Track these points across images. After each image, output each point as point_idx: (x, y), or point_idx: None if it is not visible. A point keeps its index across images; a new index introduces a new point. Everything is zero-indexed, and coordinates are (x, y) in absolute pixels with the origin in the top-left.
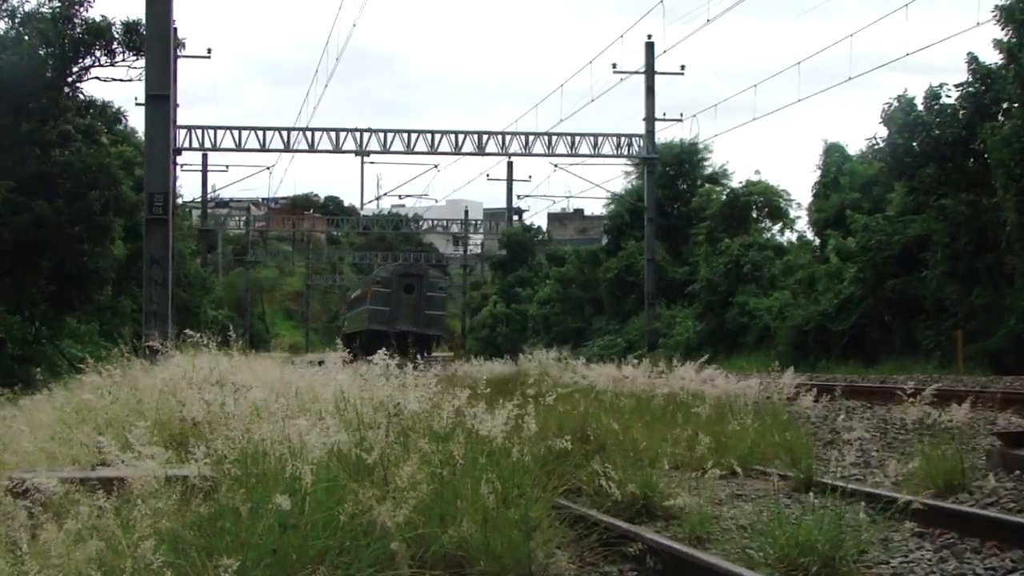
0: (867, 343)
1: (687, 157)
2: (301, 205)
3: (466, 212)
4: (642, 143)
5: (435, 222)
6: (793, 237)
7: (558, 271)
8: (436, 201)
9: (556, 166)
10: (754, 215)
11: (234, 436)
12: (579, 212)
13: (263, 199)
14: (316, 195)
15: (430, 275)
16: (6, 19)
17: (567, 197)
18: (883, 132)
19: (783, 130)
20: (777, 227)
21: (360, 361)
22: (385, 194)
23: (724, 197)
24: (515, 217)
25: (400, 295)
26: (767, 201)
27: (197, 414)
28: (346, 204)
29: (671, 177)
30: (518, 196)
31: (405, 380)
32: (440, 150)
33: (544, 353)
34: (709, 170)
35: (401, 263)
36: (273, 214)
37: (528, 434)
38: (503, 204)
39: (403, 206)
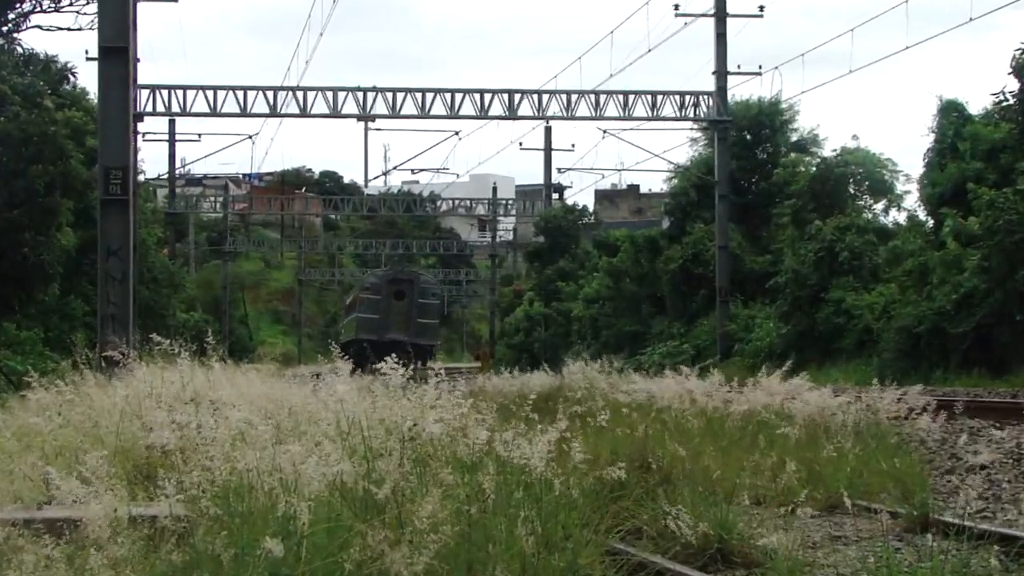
0: (994, 348)
1: (767, 119)
2: (291, 183)
3: (494, 190)
4: (712, 103)
5: (456, 202)
6: (901, 217)
7: (608, 262)
8: (457, 177)
9: (605, 132)
10: (851, 191)
11: (213, 466)
12: (634, 189)
13: (244, 175)
14: (310, 170)
15: (422, 280)
16: None
17: (619, 170)
18: (1013, 85)
19: (887, 85)
20: (880, 205)
21: (366, 373)
22: (394, 168)
23: (814, 169)
24: (555, 196)
25: (390, 302)
26: (867, 173)
27: (167, 440)
28: (346, 181)
29: (748, 144)
30: (558, 170)
31: (423, 396)
32: (462, 113)
33: (592, 363)
34: (795, 135)
35: (391, 268)
36: (257, 194)
37: (575, 462)
38: (539, 180)
39: (416, 183)
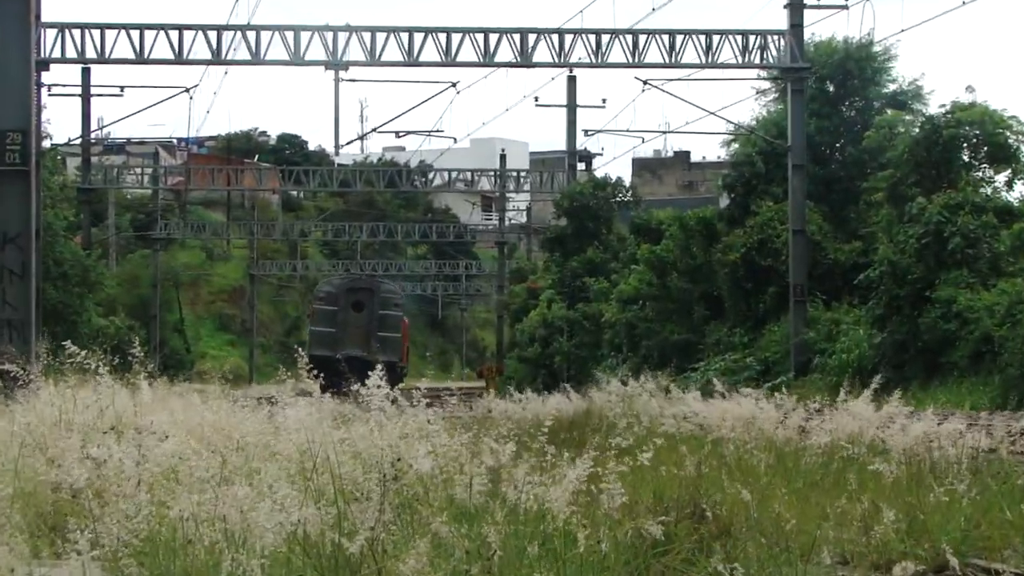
0: None
1: (856, 67)
2: (240, 150)
3: (502, 158)
4: (783, 44)
5: (454, 175)
6: None
7: (650, 251)
8: (455, 142)
9: (646, 83)
10: (965, 158)
11: (138, 514)
12: (682, 156)
13: (180, 141)
14: (264, 134)
15: (383, 289)
16: None
17: (663, 132)
18: None
19: (1013, 22)
20: (1003, 177)
21: (339, 394)
22: (373, 131)
23: (916, 130)
24: (580, 165)
25: (347, 314)
26: (986, 136)
27: (79, 479)
28: (311, 148)
29: (831, 99)
30: (585, 132)
31: (410, 422)
32: (460, 60)
33: (630, 380)
34: (892, 87)
35: (348, 276)
36: (196, 164)
37: (607, 509)
38: (560, 145)
39: (402, 150)
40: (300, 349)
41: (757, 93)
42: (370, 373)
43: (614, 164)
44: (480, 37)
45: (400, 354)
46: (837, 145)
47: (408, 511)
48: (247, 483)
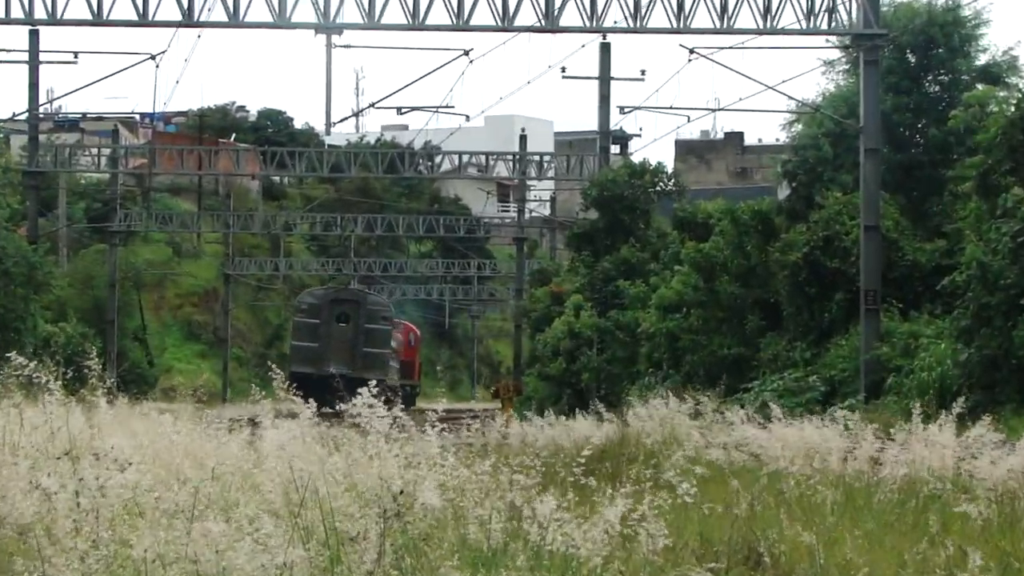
0: None
1: (941, 33)
2: (214, 128)
3: (522, 139)
4: (855, 7)
5: (465, 158)
6: None
7: (696, 249)
8: (467, 119)
9: (692, 52)
10: None
11: (96, 554)
12: (734, 139)
13: (144, 117)
14: (243, 109)
15: (370, 301)
16: None
17: (712, 111)
18: None
19: None
20: None
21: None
22: (371, 107)
23: (1012, 109)
24: (614, 149)
25: (330, 327)
26: None
27: (26, 513)
28: (298, 126)
29: (911, 72)
30: (621, 109)
31: (413, 449)
32: (474, 23)
33: (671, 402)
34: (983, 58)
35: (332, 287)
36: (162, 143)
37: (647, 552)
38: (590, 124)
39: (404, 128)
40: (275, 366)
41: (824, 64)
42: (361, 391)
43: (654, 147)
44: None
45: (386, 371)
46: (918, 126)
47: (413, 553)
48: (223, 518)
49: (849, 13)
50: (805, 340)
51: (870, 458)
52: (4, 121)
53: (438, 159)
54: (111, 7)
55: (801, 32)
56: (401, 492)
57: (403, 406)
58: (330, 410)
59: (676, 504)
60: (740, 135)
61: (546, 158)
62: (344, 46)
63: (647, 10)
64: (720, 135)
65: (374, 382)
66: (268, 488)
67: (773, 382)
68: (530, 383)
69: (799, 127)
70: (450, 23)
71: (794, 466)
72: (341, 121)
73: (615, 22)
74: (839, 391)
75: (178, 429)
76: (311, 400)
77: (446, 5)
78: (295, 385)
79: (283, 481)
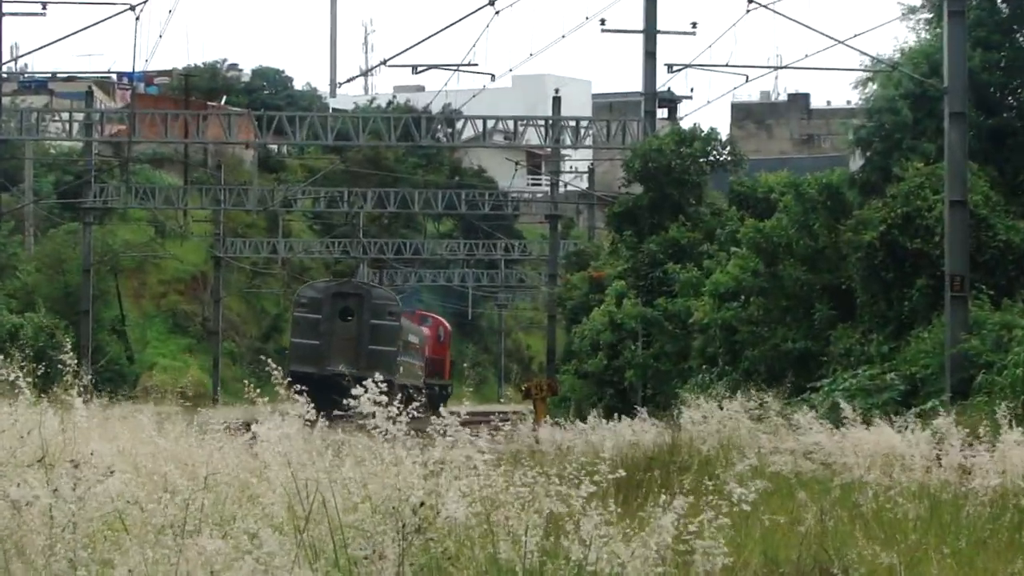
0: None
1: None
2: (201, 89)
3: (555, 102)
4: None
5: (490, 124)
6: None
7: (756, 229)
8: (492, 79)
9: (751, 1)
10: None
11: (74, 573)
12: (799, 101)
13: (123, 76)
14: (236, 67)
15: (375, 295)
16: None
17: (774, 69)
18: None
19: None
20: None
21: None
22: (382, 64)
23: None
24: (661, 112)
25: (333, 323)
26: None
27: None
28: (298, 87)
29: (1003, 24)
30: (669, 68)
31: (434, 456)
32: None
33: (728, 401)
34: None
35: (334, 280)
36: (143, 107)
37: (705, 573)
38: (634, 86)
39: (420, 90)
40: (272, 363)
41: (903, 14)
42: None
43: (707, 111)
44: None
45: (393, 370)
46: (1010, 86)
47: (436, 575)
48: (219, 534)
49: None
50: (882, 332)
51: (958, 467)
52: None
53: (459, 125)
54: None
55: None
56: (422, 504)
57: (421, 408)
58: (340, 412)
59: (735, 516)
60: (806, 97)
61: (583, 123)
62: None
63: None
64: (783, 97)
65: (380, 377)
66: (270, 500)
67: (845, 380)
68: (566, 381)
69: (874, 88)
70: None
71: (870, 476)
72: (348, 82)
73: None
74: (921, 390)
75: (165, 434)
76: (316, 402)
77: None
78: (295, 385)
79: (286, 492)
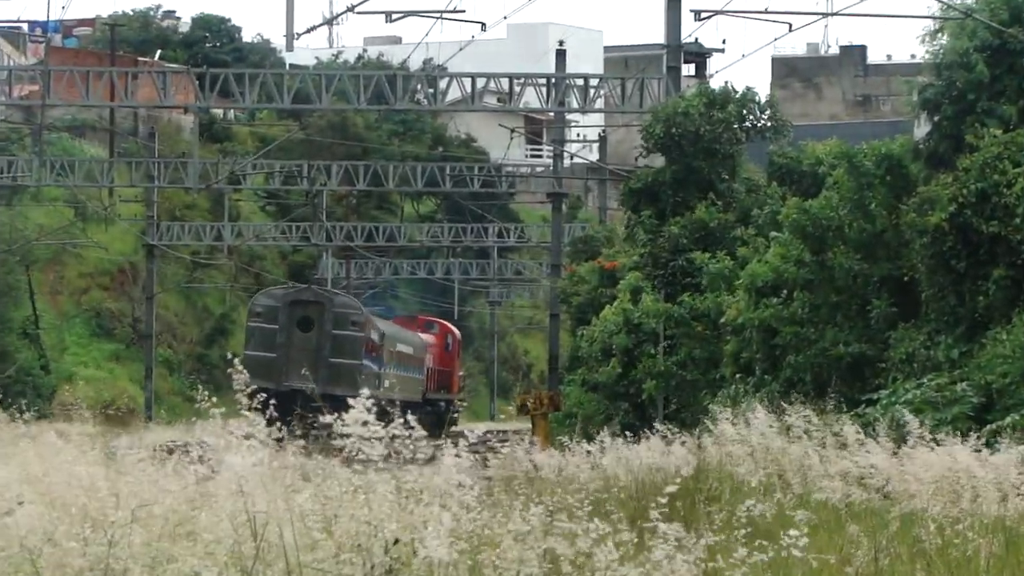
0: None
1: None
2: (133, 41)
3: (559, 56)
4: None
5: (480, 84)
6: None
7: (800, 208)
8: (483, 28)
9: None
10: None
11: None
12: (854, 55)
13: (35, 26)
14: (173, 15)
15: (337, 303)
16: None
17: (823, 16)
18: None
19: None
20: None
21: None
22: (349, 11)
23: None
24: (687, 69)
25: (290, 334)
26: None
27: None
28: (248, 39)
29: None
30: (696, 15)
31: (414, 482)
32: None
33: (767, 418)
34: None
35: (291, 287)
36: (60, 63)
37: None
38: (654, 37)
39: (397, 42)
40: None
41: None
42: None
43: (742, 66)
44: None
45: (355, 385)
46: None
47: None
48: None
49: None
50: (951, 333)
51: None
52: None
53: (443, 84)
54: None
55: None
56: (396, 541)
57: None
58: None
59: (776, 557)
60: (862, 50)
61: (593, 82)
62: None
63: None
64: (834, 50)
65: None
66: (213, 536)
67: (907, 391)
68: (571, 394)
69: (944, 39)
70: None
71: (936, 505)
72: (308, 32)
73: None
74: (998, 403)
75: (87, 458)
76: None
77: None
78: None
79: (233, 526)
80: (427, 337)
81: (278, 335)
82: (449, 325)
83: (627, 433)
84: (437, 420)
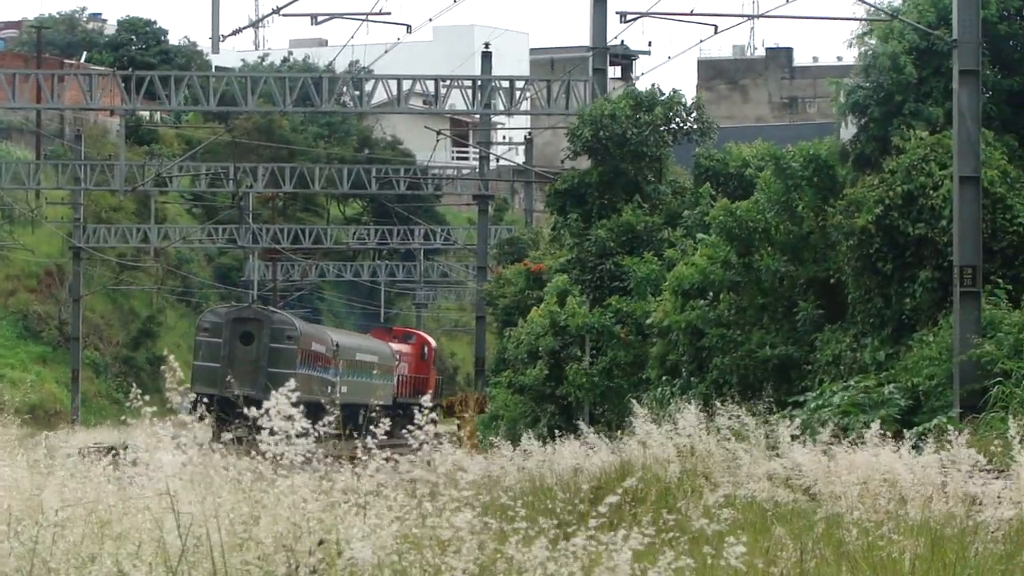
0: None
1: None
2: (58, 43)
3: (485, 58)
4: None
5: (406, 86)
6: None
7: (727, 210)
8: (409, 30)
9: None
10: None
11: None
12: (780, 57)
13: None
14: (99, 18)
15: (275, 320)
16: None
17: (748, 19)
18: None
19: None
20: None
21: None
22: (275, 12)
23: None
24: (614, 71)
25: (234, 347)
26: None
27: None
28: (175, 41)
29: None
30: (622, 17)
31: (345, 484)
32: None
33: (693, 419)
34: None
35: (234, 306)
36: None
37: None
38: (580, 40)
39: (323, 44)
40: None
41: None
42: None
43: (669, 68)
44: None
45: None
46: None
47: None
48: None
49: None
50: (878, 336)
51: (965, 496)
52: None
53: (368, 86)
54: None
55: None
56: (321, 543)
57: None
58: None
59: (699, 556)
60: (788, 52)
61: (518, 84)
62: None
63: None
64: (760, 53)
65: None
66: (139, 536)
67: (834, 393)
68: (497, 396)
69: (872, 41)
70: None
71: (861, 507)
72: (233, 34)
73: None
74: (924, 405)
75: (7, 459)
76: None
77: None
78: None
79: (159, 527)
80: (401, 347)
81: (222, 348)
82: (425, 336)
83: (553, 435)
84: (409, 422)
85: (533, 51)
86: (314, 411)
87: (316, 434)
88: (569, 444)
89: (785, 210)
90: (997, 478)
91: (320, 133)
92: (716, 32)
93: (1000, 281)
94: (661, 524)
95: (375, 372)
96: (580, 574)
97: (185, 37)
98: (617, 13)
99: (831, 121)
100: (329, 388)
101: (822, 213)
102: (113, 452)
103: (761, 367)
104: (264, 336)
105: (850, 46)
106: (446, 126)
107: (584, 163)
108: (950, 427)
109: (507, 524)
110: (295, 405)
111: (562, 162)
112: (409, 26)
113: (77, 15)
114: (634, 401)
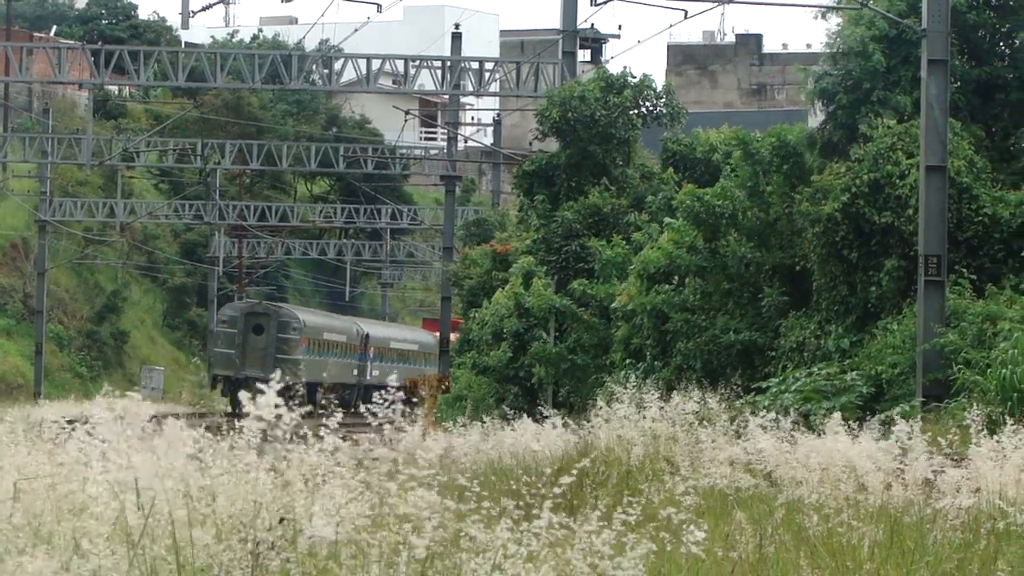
0: None
1: None
2: (26, 16)
3: (455, 38)
4: None
5: (375, 65)
6: None
7: (694, 195)
8: (379, 10)
9: None
10: None
11: None
12: (750, 43)
13: None
14: None
15: (282, 313)
16: None
17: (718, 4)
18: None
19: None
20: None
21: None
22: None
23: None
24: (583, 54)
25: (247, 336)
26: None
27: None
28: (144, 16)
29: None
30: (592, 1)
31: (302, 459)
32: None
33: (656, 401)
34: None
35: (248, 302)
36: None
37: None
38: (550, 22)
39: (292, 22)
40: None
41: None
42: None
43: (638, 52)
44: None
45: (296, 375)
46: (1002, 30)
47: None
48: (41, 552)
49: None
50: (842, 323)
51: (924, 483)
52: None
53: (338, 65)
54: None
55: None
56: (281, 520)
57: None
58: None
59: (659, 541)
60: (757, 39)
61: (488, 66)
62: None
63: None
64: (730, 38)
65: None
66: (99, 511)
67: (797, 380)
68: (461, 377)
69: (843, 30)
70: None
71: (821, 492)
72: (203, 10)
73: None
74: (887, 393)
75: None
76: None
77: None
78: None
79: (120, 502)
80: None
81: (237, 337)
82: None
83: (517, 416)
84: None
85: (503, 33)
86: (312, 390)
87: (292, 411)
88: (531, 425)
89: (752, 196)
90: (956, 466)
91: (288, 111)
92: (686, 17)
93: (964, 271)
94: (621, 509)
95: (408, 359)
96: (544, 553)
97: (155, 12)
98: None
99: (800, 108)
100: (340, 371)
101: (789, 200)
102: (71, 424)
103: (725, 352)
104: (272, 327)
105: (816, 18)
106: (415, 106)
107: (552, 146)
108: (911, 415)
109: (464, 505)
110: (291, 387)
111: (530, 143)
112: (379, 5)
113: None
114: (599, 387)
